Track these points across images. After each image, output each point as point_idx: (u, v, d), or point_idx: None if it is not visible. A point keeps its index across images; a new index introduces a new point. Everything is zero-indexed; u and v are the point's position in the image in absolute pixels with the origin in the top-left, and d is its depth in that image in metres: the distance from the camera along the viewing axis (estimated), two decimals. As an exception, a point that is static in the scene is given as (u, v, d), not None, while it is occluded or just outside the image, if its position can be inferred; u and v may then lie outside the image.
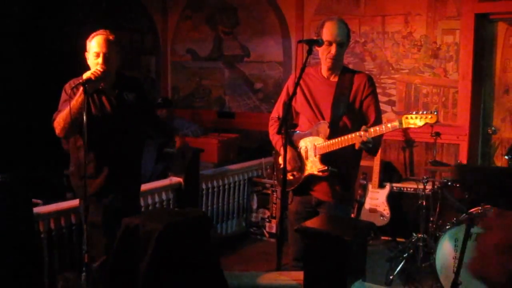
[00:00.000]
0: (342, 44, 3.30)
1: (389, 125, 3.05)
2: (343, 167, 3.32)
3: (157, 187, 4.62)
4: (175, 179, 4.77)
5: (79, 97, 3.11)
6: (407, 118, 2.99)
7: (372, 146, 3.11)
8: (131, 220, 2.80)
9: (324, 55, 3.32)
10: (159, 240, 2.63)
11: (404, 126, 3.01)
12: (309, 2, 6.22)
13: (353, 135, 3.11)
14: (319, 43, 3.18)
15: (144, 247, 2.66)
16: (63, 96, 3.29)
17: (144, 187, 4.45)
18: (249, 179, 5.70)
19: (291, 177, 3.42)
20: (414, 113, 3.00)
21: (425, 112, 2.97)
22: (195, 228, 2.86)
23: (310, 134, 3.36)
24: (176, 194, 4.76)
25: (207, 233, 2.93)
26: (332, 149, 3.22)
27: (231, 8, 6.86)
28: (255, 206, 5.64)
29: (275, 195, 5.42)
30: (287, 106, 3.11)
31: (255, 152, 6.14)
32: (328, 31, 3.27)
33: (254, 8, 6.68)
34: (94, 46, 3.28)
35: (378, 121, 3.25)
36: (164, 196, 4.65)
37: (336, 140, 3.19)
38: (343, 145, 3.17)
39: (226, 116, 6.99)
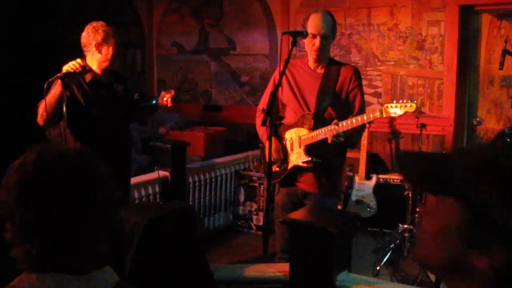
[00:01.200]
0: (327, 37, 3.30)
1: (371, 115, 3.06)
2: (328, 159, 3.33)
3: (143, 180, 4.60)
4: (161, 173, 4.75)
5: (57, 87, 3.06)
6: (387, 107, 3.01)
7: (346, 139, 3.11)
8: (116, 214, 2.78)
9: (309, 47, 3.32)
10: (144, 233, 2.62)
11: (384, 115, 3.02)
12: (294, -5, 6.21)
13: (331, 127, 3.12)
14: (304, 34, 3.18)
15: (130, 240, 2.65)
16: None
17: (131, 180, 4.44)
18: (236, 172, 5.70)
19: (277, 169, 3.43)
20: (394, 102, 3.02)
21: (405, 101, 2.99)
22: (181, 221, 2.85)
23: (296, 126, 3.37)
24: (163, 188, 4.74)
25: (193, 225, 2.93)
26: (316, 140, 3.23)
27: (216, 1, 6.82)
28: (242, 199, 5.64)
29: (262, 188, 5.43)
30: (272, 97, 3.10)
31: (242, 145, 6.13)
32: (313, 24, 3.27)
33: (240, 1, 6.65)
34: (114, 36, 3.32)
35: (360, 114, 3.26)
36: (150, 190, 4.63)
37: (320, 131, 3.20)
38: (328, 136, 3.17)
39: (213, 109, 6.97)
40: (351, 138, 3.22)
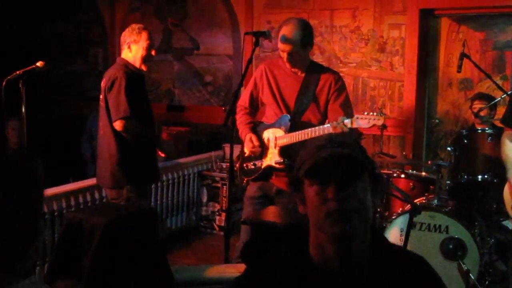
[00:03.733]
0: (294, 53, 3.24)
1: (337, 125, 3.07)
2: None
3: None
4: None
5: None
6: (357, 118, 3.03)
7: None
8: (74, 215, 2.74)
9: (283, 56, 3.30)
10: (103, 235, 2.58)
11: (352, 126, 3.05)
12: (258, -5, 6.21)
13: (313, 129, 3.11)
14: (266, 35, 3.19)
15: (88, 242, 2.60)
16: None
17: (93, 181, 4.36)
18: (199, 172, 5.67)
19: (252, 167, 3.42)
20: (365, 113, 3.04)
21: (374, 114, 3.00)
22: (141, 222, 2.82)
23: (273, 126, 3.38)
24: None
25: (154, 227, 2.90)
26: (291, 142, 3.23)
27: (180, 0, 6.77)
28: (205, 199, 5.62)
29: (225, 188, 5.41)
30: (234, 97, 3.10)
31: (205, 146, 6.10)
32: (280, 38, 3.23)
33: (204, 1, 6.62)
34: (147, 39, 3.67)
35: (349, 116, 3.23)
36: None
37: (297, 133, 3.20)
38: (303, 139, 3.16)
39: (176, 109, 6.91)
40: None
